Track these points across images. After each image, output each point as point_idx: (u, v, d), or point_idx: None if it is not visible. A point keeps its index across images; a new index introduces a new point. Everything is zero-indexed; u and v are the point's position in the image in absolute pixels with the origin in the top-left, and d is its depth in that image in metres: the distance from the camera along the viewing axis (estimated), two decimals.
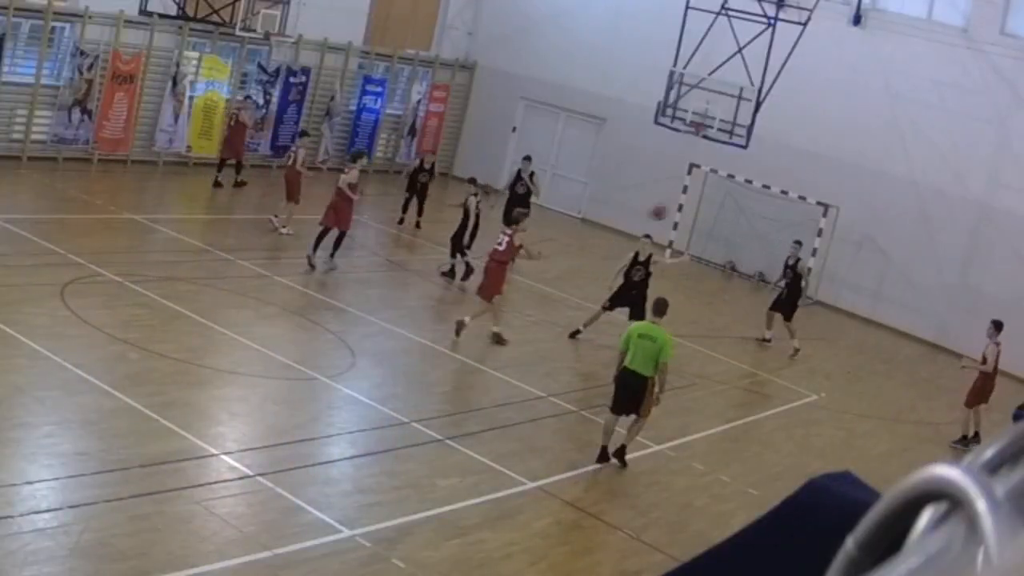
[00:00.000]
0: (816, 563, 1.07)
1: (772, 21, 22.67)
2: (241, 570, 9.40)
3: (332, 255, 19.28)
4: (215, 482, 10.89)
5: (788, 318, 20.24)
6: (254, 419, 12.94)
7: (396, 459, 12.41)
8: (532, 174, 24.17)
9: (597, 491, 12.70)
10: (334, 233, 19.33)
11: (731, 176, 26.03)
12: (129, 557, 9.10)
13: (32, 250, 16.74)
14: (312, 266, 19.03)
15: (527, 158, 24.71)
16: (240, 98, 25.26)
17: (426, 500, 11.46)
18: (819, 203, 24.93)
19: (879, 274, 21.63)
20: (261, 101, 26.16)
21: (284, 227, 20.95)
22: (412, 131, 29.60)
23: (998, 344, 17.41)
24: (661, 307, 13.50)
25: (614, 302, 18.12)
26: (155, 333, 14.48)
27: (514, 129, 30.12)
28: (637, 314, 16.95)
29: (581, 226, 27.93)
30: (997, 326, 17.47)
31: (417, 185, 23.88)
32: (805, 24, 22.44)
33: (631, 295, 17.92)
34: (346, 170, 20.15)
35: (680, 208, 26.59)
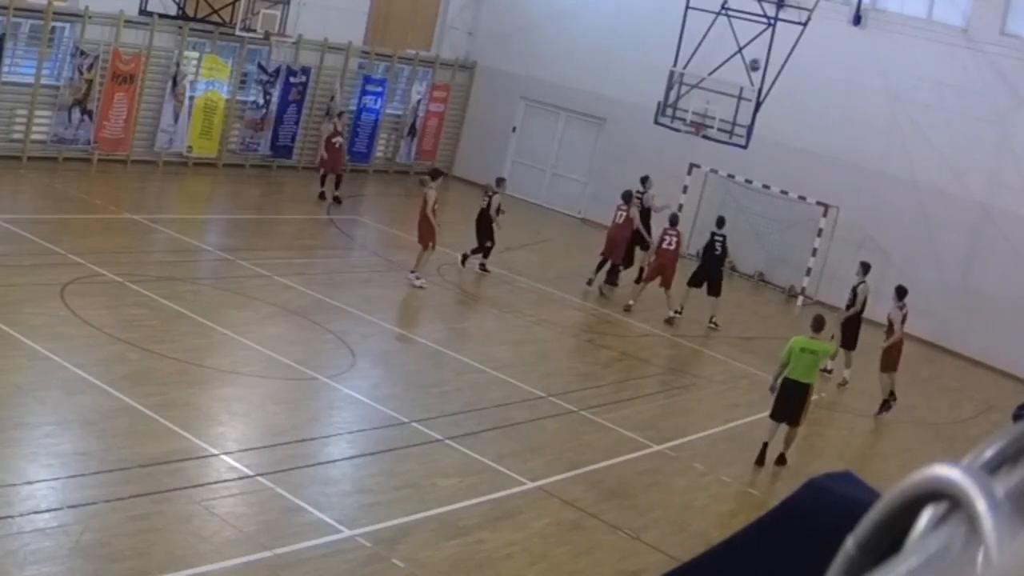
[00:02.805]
0: (816, 563, 1.07)
1: (772, 21, 22.67)
2: (241, 570, 9.40)
3: (609, 283, 21.70)
4: (215, 482, 10.89)
5: (851, 346, 19.06)
6: (254, 419, 12.94)
7: (396, 459, 12.41)
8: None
9: (597, 491, 12.69)
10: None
11: (731, 176, 26.03)
12: (129, 557, 9.10)
13: (32, 250, 16.74)
14: (603, 294, 21.49)
15: (645, 178, 23.55)
16: (338, 113, 25.74)
17: (426, 500, 11.46)
18: (819, 203, 24.91)
19: (879, 274, 21.59)
20: (261, 101, 26.19)
21: (418, 278, 19.29)
22: (412, 131, 29.60)
23: (902, 308, 18.12)
24: (819, 323, 14.70)
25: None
26: (155, 333, 14.48)
27: (514, 129, 30.12)
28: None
29: (581, 226, 27.93)
30: (900, 292, 18.29)
31: (488, 222, 21.15)
32: (805, 24, 22.42)
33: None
34: (623, 209, 21.70)
35: (680, 208, 26.58)
